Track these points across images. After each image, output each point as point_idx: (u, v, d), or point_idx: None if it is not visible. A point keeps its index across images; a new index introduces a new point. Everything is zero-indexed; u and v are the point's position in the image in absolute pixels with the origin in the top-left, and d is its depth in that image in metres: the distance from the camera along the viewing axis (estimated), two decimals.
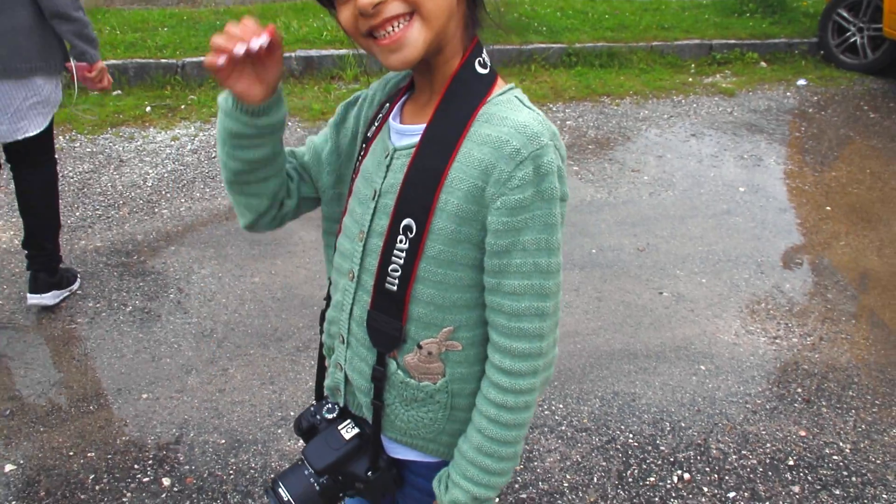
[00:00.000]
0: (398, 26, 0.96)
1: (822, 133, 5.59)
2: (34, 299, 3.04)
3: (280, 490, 1.17)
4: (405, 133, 1.10)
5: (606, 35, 7.08)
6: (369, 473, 1.17)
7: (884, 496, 2.41)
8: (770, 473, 2.48)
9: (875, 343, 3.15)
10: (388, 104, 1.17)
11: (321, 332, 1.29)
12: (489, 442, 1.09)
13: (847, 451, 2.58)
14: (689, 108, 5.98)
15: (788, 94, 6.52)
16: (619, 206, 4.24)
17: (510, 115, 1.01)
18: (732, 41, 7.32)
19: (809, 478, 2.47)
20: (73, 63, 2.76)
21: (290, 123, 5.09)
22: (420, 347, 1.10)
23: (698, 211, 4.21)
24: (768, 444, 2.60)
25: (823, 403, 2.81)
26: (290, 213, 1.27)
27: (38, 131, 2.79)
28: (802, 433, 2.66)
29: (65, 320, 3.05)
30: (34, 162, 2.91)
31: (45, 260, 3.00)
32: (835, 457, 2.56)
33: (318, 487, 1.17)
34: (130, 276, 3.35)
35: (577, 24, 7.29)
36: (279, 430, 2.53)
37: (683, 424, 2.66)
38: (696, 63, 7.10)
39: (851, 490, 2.43)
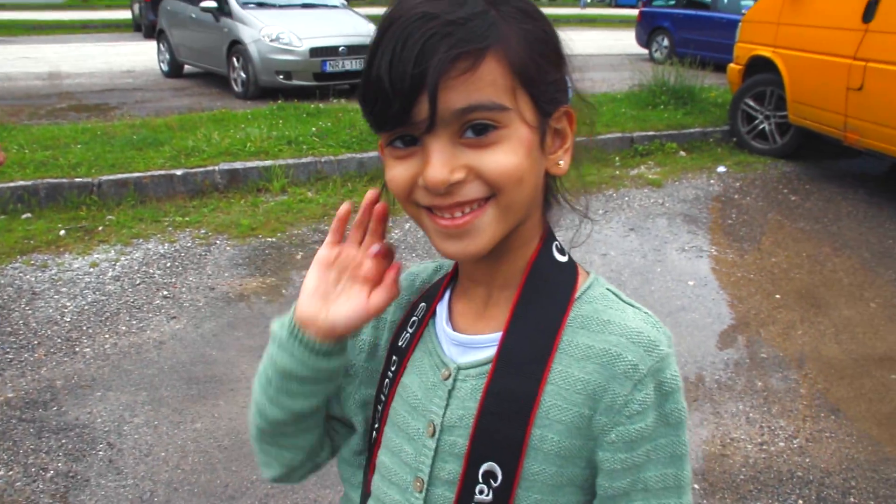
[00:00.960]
0: (469, 209, 0.75)
1: (752, 219, 5.67)
2: None
3: None
4: (468, 345, 0.85)
5: None
6: None
7: None
8: None
9: (860, 439, 3.03)
10: (423, 304, 0.92)
11: None
12: None
13: None
14: (622, 202, 6.00)
15: (711, 181, 6.67)
16: None
17: (613, 317, 0.80)
18: (651, 132, 7.52)
19: None
20: None
21: (217, 241, 4.80)
22: None
23: (654, 309, 4.01)
24: None
25: None
26: (325, 461, 1.00)
27: None
28: None
29: None
30: None
31: None
32: None
33: None
34: (50, 433, 2.94)
35: None
36: None
37: None
38: (620, 156, 7.23)
39: None
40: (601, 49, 16.36)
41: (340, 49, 9.25)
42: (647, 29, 14.95)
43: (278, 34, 9.07)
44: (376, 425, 0.91)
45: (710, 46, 11.91)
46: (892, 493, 2.75)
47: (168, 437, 2.92)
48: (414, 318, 0.90)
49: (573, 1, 36.87)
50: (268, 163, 5.81)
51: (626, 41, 16.93)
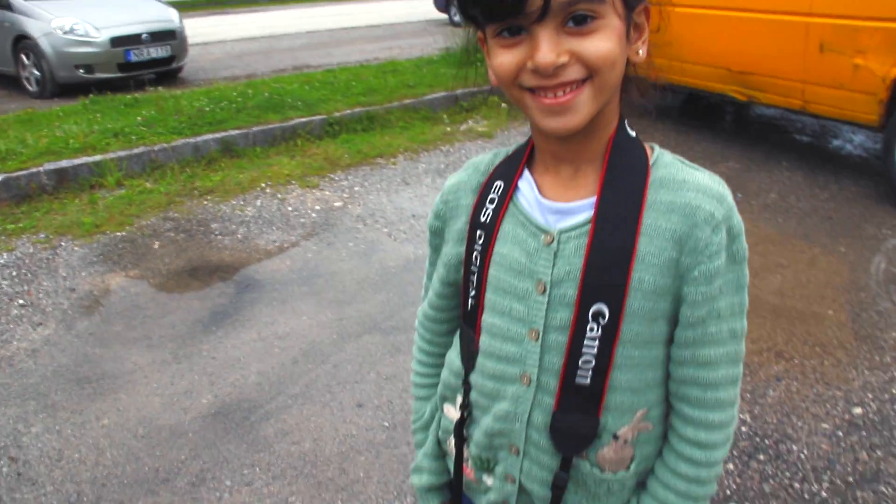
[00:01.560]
0: (570, 88, 0.87)
1: None
2: None
3: None
4: (565, 212, 0.98)
5: (360, 100, 7.22)
6: None
7: None
8: None
9: None
10: (499, 182, 1.03)
11: (457, 445, 1.12)
12: None
13: None
14: (460, 155, 6.26)
15: None
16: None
17: (687, 177, 0.95)
18: (473, 88, 7.79)
19: None
20: None
21: (62, 243, 4.52)
22: (616, 438, 1.00)
23: None
24: None
25: None
26: None
27: None
28: None
29: None
30: None
31: None
32: (742, 428, 2.76)
33: None
34: None
35: (328, 94, 7.35)
36: None
37: None
38: (447, 113, 7.49)
39: None
40: (400, 18, 16.60)
41: (143, 37, 8.79)
42: None
43: (72, 25, 8.45)
44: (473, 292, 1.03)
45: None
46: None
47: (76, 438, 2.79)
48: (492, 196, 1.02)
49: None
50: (97, 158, 5.49)
51: (422, 8, 17.24)
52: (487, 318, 1.03)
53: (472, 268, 1.03)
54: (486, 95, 7.84)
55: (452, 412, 1.14)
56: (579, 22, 0.84)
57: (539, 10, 0.81)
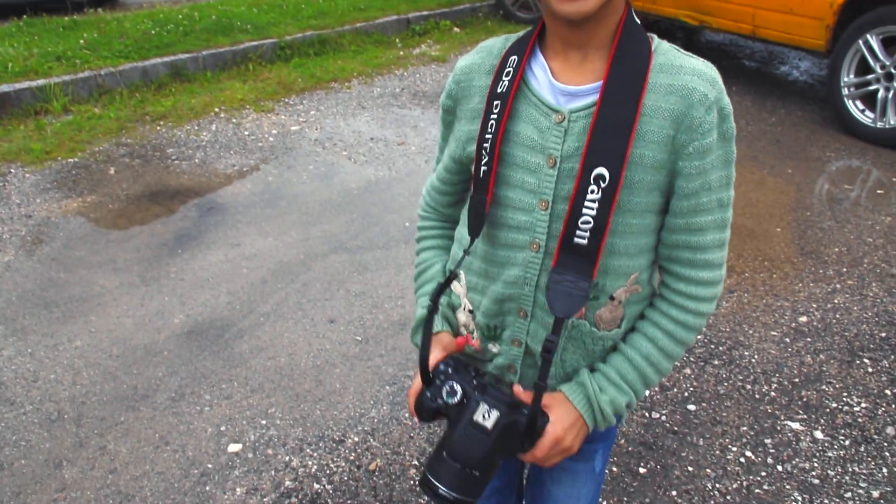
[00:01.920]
0: None
1: None
2: None
3: (440, 490, 1.11)
4: (575, 94, 1.06)
5: (311, 24, 7.06)
6: (526, 445, 1.13)
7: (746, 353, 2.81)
8: None
9: None
10: (513, 56, 1.10)
11: (431, 307, 1.19)
12: (658, 353, 1.13)
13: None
14: (415, 79, 6.22)
15: None
16: (405, 179, 4.32)
17: (684, 62, 1.04)
18: (425, 12, 7.72)
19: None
20: None
21: (11, 170, 4.40)
22: (612, 299, 1.11)
23: None
24: None
25: None
26: None
27: None
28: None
29: None
30: None
31: None
32: (698, 336, 2.92)
33: (476, 474, 1.11)
34: None
35: (278, 17, 7.17)
36: (207, 488, 2.25)
37: None
38: (400, 37, 7.39)
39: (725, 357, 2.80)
40: None
41: None
42: None
43: None
44: (486, 159, 1.10)
45: None
46: None
47: (50, 360, 2.80)
48: (508, 69, 1.09)
49: None
50: (40, 82, 5.29)
51: None
52: (499, 192, 1.12)
53: (486, 136, 1.10)
54: (438, 20, 7.76)
55: (459, 288, 1.23)
56: None
57: None
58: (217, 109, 5.35)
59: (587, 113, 1.04)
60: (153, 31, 6.45)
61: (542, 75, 1.09)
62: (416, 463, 2.37)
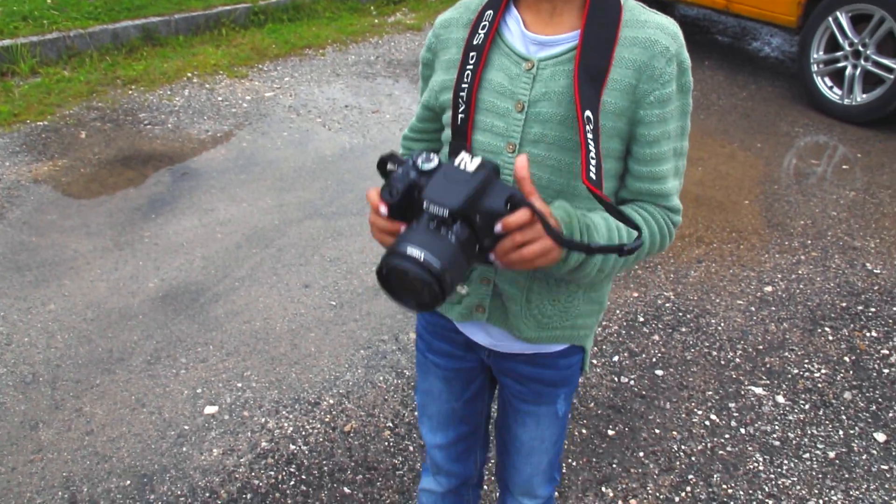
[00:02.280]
0: None
1: None
2: None
3: (410, 249, 0.92)
4: (545, 44, 1.12)
5: None
6: (509, 206, 0.97)
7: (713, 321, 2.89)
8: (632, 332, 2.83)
9: None
10: (489, 11, 1.15)
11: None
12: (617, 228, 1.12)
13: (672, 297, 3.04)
14: (390, 47, 6.19)
15: None
16: (379, 147, 4.32)
17: (648, 17, 1.10)
18: None
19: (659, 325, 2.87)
20: None
21: None
22: None
23: None
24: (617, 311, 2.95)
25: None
26: None
27: None
28: (636, 294, 3.06)
29: None
30: None
31: None
32: (667, 304, 2.99)
33: (453, 239, 0.95)
34: None
35: None
36: (184, 449, 2.28)
37: None
38: (375, 5, 7.33)
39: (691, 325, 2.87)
40: None
41: None
42: None
43: None
44: (462, 108, 1.15)
45: None
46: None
47: (23, 323, 2.80)
48: (484, 23, 1.15)
49: None
50: (6, 42, 5.17)
51: None
52: (476, 136, 1.17)
53: (463, 85, 1.15)
54: None
55: None
56: None
57: None
58: (190, 74, 5.29)
59: (556, 62, 1.11)
60: None
61: (514, 26, 1.15)
62: (390, 425, 2.41)
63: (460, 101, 1.15)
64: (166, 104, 4.77)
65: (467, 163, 0.98)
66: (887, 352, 2.84)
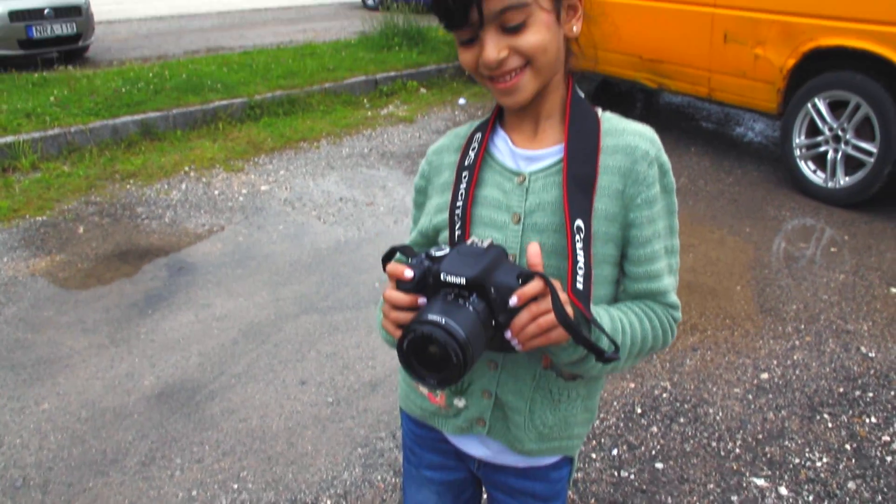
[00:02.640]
0: (513, 74, 1.10)
1: None
2: None
3: (432, 316, 0.95)
4: (533, 158, 1.19)
5: (280, 83, 7.18)
6: (521, 281, 1.00)
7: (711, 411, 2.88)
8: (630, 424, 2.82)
9: None
10: (478, 133, 1.23)
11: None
12: (634, 322, 1.16)
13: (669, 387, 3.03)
14: (383, 139, 6.33)
15: (456, 112, 7.22)
16: (374, 240, 4.38)
17: (625, 126, 1.18)
18: (393, 73, 7.89)
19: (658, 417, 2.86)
20: None
21: None
22: None
23: None
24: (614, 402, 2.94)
25: None
26: None
27: None
28: (632, 385, 3.05)
29: None
30: None
31: None
32: (664, 394, 2.99)
33: (472, 309, 0.98)
34: None
35: (247, 77, 7.28)
36: None
37: None
38: (368, 98, 7.53)
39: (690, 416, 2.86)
40: (312, 0, 16.40)
41: (46, 11, 8.41)
42: None
43: None
44: (459, 223, 1.19)
45: None
46: None
47: (16, 424, 2.77)
48: (474, 144, 1.22)
49: None
50: (9, 139, 5.30)
51: None
52: None
53: (458, 203, 1.20)
54: (406, 80, 7.93)
55: None
56: (515, 28, 1.06)
57: (478, 21, 1.05)
58: (187, 168, 5.39)
59: (546, 173, 1.17)
60: (123, 90, 6.51)
61: (503, 145, 1.22)
62: None
63: (456, 217, 1.19)
64: (163, 198, 4.85)
65: (478, 243, 1.05)
66: (888, 438, 2.82)
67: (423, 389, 1.31)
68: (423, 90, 7.90)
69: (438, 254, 1.06)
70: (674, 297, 1.21)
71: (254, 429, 2.77)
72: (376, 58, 8.30)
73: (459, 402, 1.27)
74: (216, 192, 4.97)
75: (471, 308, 0.98)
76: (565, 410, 1.25)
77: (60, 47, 8.78)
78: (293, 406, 2.90)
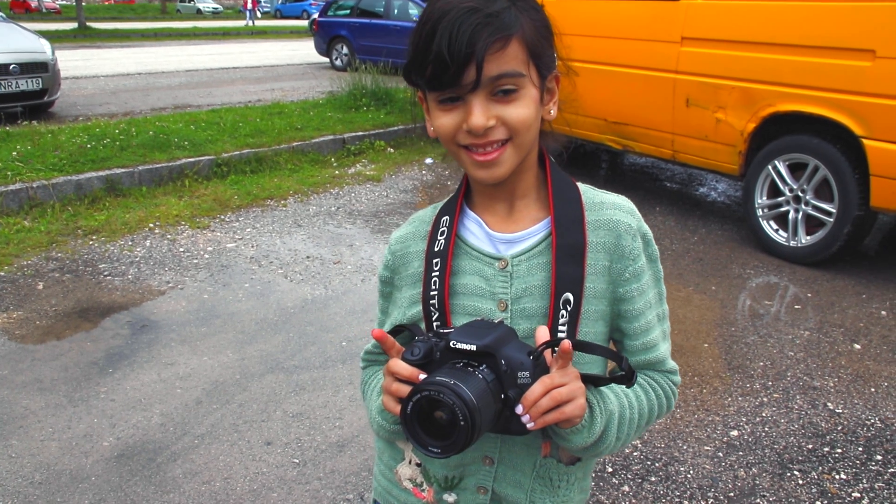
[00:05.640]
0: (496, 146, 1.03)
1: None
2: None
3: (440, 378, 0.93)
4: (513, 241, 1.14)
5: (248, 142, 7.19)
6: (532, 357, 0.99)
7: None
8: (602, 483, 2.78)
9: None
10: (446, 216, 1.17)
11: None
12: (634, 402, 1.13)
13: (640, 445, 3.01)
14: (350, 198, 6.34)
15: (423, 171, 7.29)
16: (341, 298, 4.34)
17: (602, 198, 1.15)
18: (360, 133, 7.97)
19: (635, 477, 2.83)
20: None
21: None
22: None
23: None
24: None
25: None
26: None
27: None
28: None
29: None
30: None
31: None
32: (635, 453, 2.96)
33: (481, 377, 0.96)
34: None
35: (215, 135, 7.29)
36: None
37: None
38: (336, 157, 7.58)
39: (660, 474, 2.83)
40: (282, 59, 16.61)
41: (12, 67, 8.38)
42: (326, 38, 15.49)
43: None
44: (436, 315, 1.13)
45: (388, 52, 12.67)
46: None
47: None
48: (442, 229, 1.16)
49: (238, 15, 36.49)
50: None
51: (303, 51, 17.34)
52: None
53: (432, 292, 1.14)
54: (373, 140, 8.01)
55: (401, 443, 1.24)
56: (505, 93, 1.01)
57: (472, 83, 0.98)
58: (152, 225, 5.33)
59: (528, 256, 1.12)
60: (89, 145, 6.47)
61: (476, 229, 1.16)
62: None
63: (432, 308, 1.14)
64: (127, 255, 4.77)
65: (489, 319, 1.05)
66: (858, 494, 2.82)
67: (408, 484, 1.24)
68: (390, 150, 7.97)
69: (445, 330, 1.05)
70: (671, 363, 1.19)
71: (217, 491, 2.68)
72: (344, 117, 8.38)
73: (449, 498, 1.20)
74: (181, 250, 4.91)
75: (480, 376, 0.96)
76: (564, 495, 1.20)
77: (25, 102, 8.73)
78: (258, 467, 2.82)
